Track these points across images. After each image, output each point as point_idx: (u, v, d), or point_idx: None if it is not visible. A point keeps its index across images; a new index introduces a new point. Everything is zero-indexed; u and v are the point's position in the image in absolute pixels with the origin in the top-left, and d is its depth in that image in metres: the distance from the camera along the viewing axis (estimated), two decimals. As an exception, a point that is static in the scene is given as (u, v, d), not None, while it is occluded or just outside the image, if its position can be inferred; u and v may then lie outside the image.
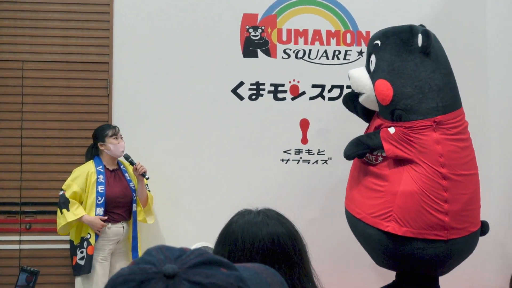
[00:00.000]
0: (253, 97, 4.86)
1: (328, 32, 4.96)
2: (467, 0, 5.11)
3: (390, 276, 4.13)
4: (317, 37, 4.94)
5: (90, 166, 4.23)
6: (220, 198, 4.68)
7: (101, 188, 4.16)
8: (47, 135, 4.70)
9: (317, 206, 4.87)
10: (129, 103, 4.75)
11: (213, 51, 4.83)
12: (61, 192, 4.15)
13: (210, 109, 4.80)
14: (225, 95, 4.83)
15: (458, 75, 3.96)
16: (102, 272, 4.14)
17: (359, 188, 3.86)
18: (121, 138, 4.34)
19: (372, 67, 3.88)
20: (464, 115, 3.81)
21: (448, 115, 3.66)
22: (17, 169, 4.65)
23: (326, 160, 4.91)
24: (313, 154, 4.90)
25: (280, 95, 4.89)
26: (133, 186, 4.35)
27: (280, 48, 4.90)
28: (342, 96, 4.27)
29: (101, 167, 4.24)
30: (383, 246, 3.68)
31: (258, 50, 4.88)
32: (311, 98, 4.92)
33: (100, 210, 4.14)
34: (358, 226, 3.84)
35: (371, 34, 4.13)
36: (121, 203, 4.26)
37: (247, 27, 4.88)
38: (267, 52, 4.89)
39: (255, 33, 4.88)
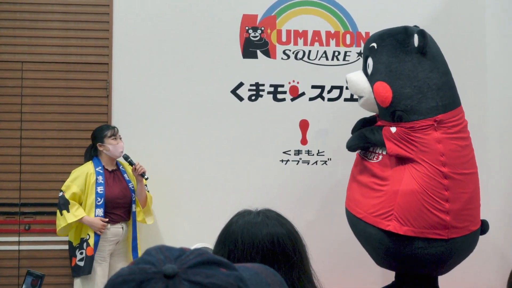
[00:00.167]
0: (253, 97, 4.86)
1: (328, 33, 4.96)
2: (466, 0, 5.11)
3: (389, 277, 4.13)
4: (316, 38, 4.94)
5: (89, 167, 4.23)
6: (219, 199, 4.68)
7: (100, 189, 4.16)
8: (46, 136, 4.70)
9: (317, 206, 4.87)
10: (129, 103, 4.75)
11: (213, 52, 4.83)
12: (61, 194, 4.14)
13: (210, 110, 4.80)
14: (224, 95, 4.83)
15: (457, 75, 3.97)
16: (101, 273, 4.13)
17: (360, 187, 3.86)
18: (120, 138, 4.33)
19: (369, 70, 3.88)
20: (464, 114, 3.82)
21: (448, 113, 3.67)
22: (16, 170, 4.65)
23: (326, 161, 4.91)
24: (313, 155, 4.90)
25: (279, 96, 4.89)
26: (132, 187, 4.35)
27: (279, 49, 4.90)
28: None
29: (100, 168, 4.23)
30: (384, 246, 3.67)
31: (258, 51, 4.88)
32: (311, 99, 4.92)
33: (100, 211, 4.13)
34: (358, 226, 3.84)
35: (371, 35, 4.14)
36: (120, 204, 4.25)
37: (247, 28, 4.88)
38: (267, 53, 4.89)
39: (255, 34, 4.88)
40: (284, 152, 4.87)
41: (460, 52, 4.90)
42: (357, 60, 4.90)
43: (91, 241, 4.09)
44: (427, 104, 3.64)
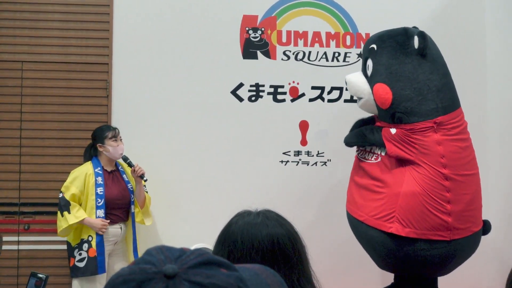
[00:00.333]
0: (253, 98, 4.86)
1: (328, 34, 4.96)
2: (466, 1, 5.11)
3: (389, 277, 4.13)
4: (316, 39, 4.94)
5: (88, 168, 4.22)
6: (219, 199, 4.68)
7: (100, 190, 4.15)
8: (46, 136, 4.70)
9: (316, 207, 4.87)
10: (129, 104, 4.75)
11: (213, 52, 4.83)
12: (61, 195, 4.13)
13: (210, 110, 4.80)
14: (224, 96, 4.83)
15: (457, 76, 3.97)
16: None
17: (361, 190, 3.86)
18: (121, 140, 4.32)
19: (369, 72, 3.88)
20: (463, 115, 3.82)
21: (448, 115, 3.67)
22: (16, 170, 4.65)
23: (326, 162, 4.91)
24: (313, 155, 4.90)
25: (279, 97, 4.89)
26: (131, 188, 4.34)
27: (279, 49, 4.91)
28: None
29: (99, 168, 4.22)
30: (386, 248, 3.67)
31: (258, 52, 4.88)
32: (311, 100, 4.92)
33: (101, 212, 4.13)
34: (360, 228, 3.84)
35: (370, 37, 4.14)
36: (119, 205, 4.25)
37: (247, 28, 4.88)
38: (267, 54, 4.89)
39: (255, 34, 4.88)
40: (284, 153, 4.88)
41: (460, 53, 4.90)
42: (357, 61, 4.90)
43: (94, 243, 4.08)
44: (427, 106, 3.64)
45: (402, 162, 3.65)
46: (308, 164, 4.90)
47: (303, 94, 4.92)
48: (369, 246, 3.85)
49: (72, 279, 4.15)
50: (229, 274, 0.78)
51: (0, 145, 4.66)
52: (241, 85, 4.86)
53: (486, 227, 3.89)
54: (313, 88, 4.93)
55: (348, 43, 4.97)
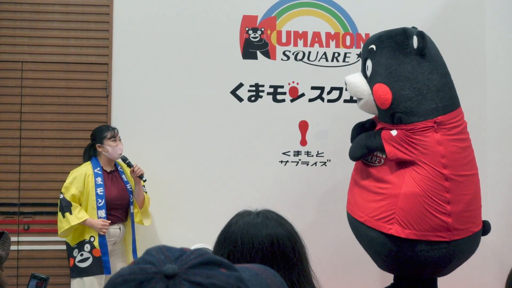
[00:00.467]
0: (252, 98, 4.86)
1: (328, 34, 4.96)
2: (466, 2, 5.11)
3: (388, 278, 4.13)
4: (316, 39, 4.94)
5: (87, 168, 4.21)
6: (218, 200, 4.68)
7: (100, 190, 4.14)
8: (45, 136, 4.70)
9: (316, 207, 4.87)
10: (128, 104, 4.75)
11: (213, 53, 4.83)
12: (61, 196, 4.11)
13: (209, 111, 4.80)
14: (224, 96, 4.83)
15: (457, 76, 3.97)
16: None
17: (361, 191, 3.86)
18: (120, 140, 4.32)
19: (368, 72, 3.88)
20: (463, 115, 3.82)
21: (448, 115, 3.67)
22: (16, 170, 4.65)
23: (325, 162, 4.91)
24: (312, 156, 4.90)
25: (279, 97, 4.89)
26: (130, 188, 4.34)
27: (279, 50, 4.91)
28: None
29: (98, 168, 4.21)
30: (386, 249, 3.67)
31: (258, 52, 4.88)
32: (310, 100, 4.92)
33: (102, 212, 4.12)
34: (360, 229, 3.84)
35: (369, 37, 4.14)
36: (118, 205, 4.24)
37: (247, 28, 4.88)
38: (267, 54, 4.89)
39: (255, 34, 4.88)
40: (283, 153, 4.88)
41: (459, 53, 4.90)
42: (357, 62, 4.90)
43: (96, 243, 4.08)
44: (427, 106, 3.64)
45: (403, 163, 3.65)
46: (307, 164, 4.90)
47: (302, 94, 4.92)
48: (369, 247, 3.85)
49: (71, 280, 4.15)
50: (229, 274, 0.78)
51: (0, 145, 4.66)
52: (240, 85, 4.86)
53: (486, 228, 3.89)
54: (313, 88, 4.93)
55: (348, 43, 4.97)
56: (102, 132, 4.26)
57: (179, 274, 0.75)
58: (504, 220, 4.91)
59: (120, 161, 4.39)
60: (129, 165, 4.33)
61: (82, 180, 4.13)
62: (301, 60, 4.92)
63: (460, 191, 3.61)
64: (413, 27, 3.96)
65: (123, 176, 4.36)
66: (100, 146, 4.24)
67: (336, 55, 4.95)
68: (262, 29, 4.89)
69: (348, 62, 4.95)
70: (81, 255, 4.08)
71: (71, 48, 4.78)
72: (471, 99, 4.71)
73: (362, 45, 4.77)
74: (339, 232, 4.56)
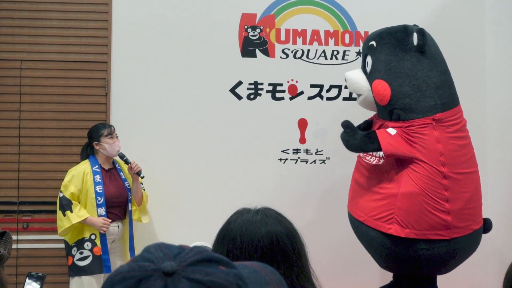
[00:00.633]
0: (251, 96, 4.86)
1: (327, 32, 4.96)
2: (465, 0, 5.11)
3: (387, 276, 4.13)
4: (315, 37, 4.94)
5: (86, 166, 4.20)
6: (218, 197, 4.68)
7: (99, 188, 4.14)
8: (45, 134, 4.69)
9: (315, 205, 4.87)
10: (127, 102, 4.75)
11: (212, 51, 4.83)
12: (61, 194, 4.10)
13: (208, 109, 4.80)
14: (223, 94, 4.83)
15: (456, 74, 3.97)
16: None
17: (360, 190, 3.86)
18: (117, 137, 4.32)
19: (368, 68, 3.88)
20: (462, 113, 3.82)
21: (447, 112, 3.66)
22: (15, 168, 4.65)
23: (324, 160, 4.91)
24: (311, 154, 4.90)
25: (278, 95, 4.89)
26: (128, 186, 4.33)
27: (278, 48, 4.90)
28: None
29: (97, 166, 4.21)
30: (386, 249, 3.67)
31: (257, 50, 4.88)
32: (309, 98, 4.92)
33: (102, 210, 4.12)
34: (360, 229, 3.83)
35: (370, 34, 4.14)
36: (117, 203, 4.24)
37: (246, 26, 4.87)
38: (266, 52, 4.89)
39: (254, 32, 4.88)
40: (282, 151, 4.87)
41: (459, 51, 4.90)
42: (356, 59, 4.90)
43: (98, 241, 4.07)
44: (426, 103, 3.64)
45: (401, 162, 3.64)
46: (306, 162, 4.90)
47: (301, 92, 4.92)
48: (370, 246, 3.85)
49: (70, 278, 4.14)
50: (228, 271, 0.78)
51: (-1, 144, 4.67)
52: (239, 83, 4.85)
53: (487, 225, 3.88)
54: (312, 86, 4.93)
55: (347, 41, 4.97)
56: (98, 130, 4.26)
57: (178, 272, 0.75)
58: (504, 217, 4.91)
59: (118, 159, 4.38)
60: (127, 161, 4.32)
61: (80, 178, 4.13)
62: (300, 58, 4.92)
63: (459, 189, 3.61)
64: (415, 25, 3.96)
65: (121, 174, 4.36)
66: (97, 144, 4.24)
67: (335, 53, 4.95)
68: (261, 27, 4.89)
69: (347, 60, 4.95)
70: (81, 253, 4.07)
71: (70, 46, 4.77)
72: (471, 98, 4.71)
73: (361, 43, 4.79)
74: (338, 230, 4.56)
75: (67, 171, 4.26)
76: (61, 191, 4.12)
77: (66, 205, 4.06)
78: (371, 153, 3.81)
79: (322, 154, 4.91)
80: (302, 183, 4.86)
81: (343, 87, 4.83)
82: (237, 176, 4.80)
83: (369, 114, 4.11)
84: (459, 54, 4.87)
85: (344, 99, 4.91)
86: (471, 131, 3.86)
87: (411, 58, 3.72)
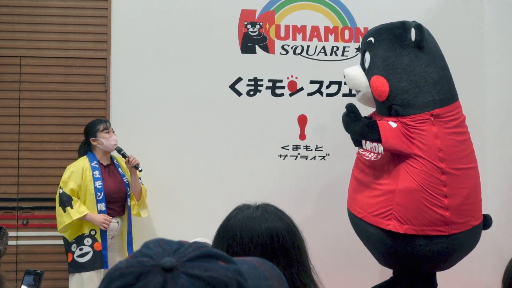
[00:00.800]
0: (251, 93, 4.86)
1: (326, 28, 4.95)
2: (465, -4, 5.11)
3: (387, 272, 4.14)
4: (315, 33, 4.94)
5: (84, 162, 4.19)
6: (217, 194, 4.67)
7: (98, 183, 4.13)
8: (44, 131, 4.69)
9: (315, 201, 4.87)
10: (127, 99, 4.74)
11: (211, 47, 4.83)
12: (61, 190, 4.09)
13: (208, 105, 4.79)
14: (223, 90, 4.82)
15: (455, 70, 3.97)
16: None
17: (359, 187, 3.86)
18: (113, 132, 4.31)
19: (367, 65, 3.88)
20: (461, 108, 3.82)
21: (445, 108, 3.66)
22: (15, 165, 4.65)
23: (324, 156, 4.91)
24: (311, 150, 4.90)
25: (278, 91, 4.89)
26: (127, 181, 4.33)
27: (278, 44, 4.90)
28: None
29: (95, 162, 4.20)
30: (385, 245, 3.67)
31: (256, 46, 4.87)
32: (309, 94, 4.92)
33: (102, 206, 4.11)
34: (359, 225, 3.84)
35: (369, 30, 4.14)
36: (115, 198, 4.23)
37: (245, 23, 4.87)
38: (265, 48, 4.88)
39: (253, 29, 4.87)
40: (282, 147, 4.87)
41: (458, 47, 4.89)
42: (355, 55, 4.89)
43: (98, 236, 4.07)
44: (424, 98, 3.64)
45: (398, 158, 3.64)
46: (306, 159, 4.90)
47: (301, 89, 4.91)
48: (369, 242, 3.85)
49: (69, 275, 4.14)
50: (227, 267, 0.78)
51: (-2, 140, 4.67)
52: (239, 79, 4.85)
53: (486, 221, 3.88)
54: (312, 82, 4.92)
55: (346, 37, 4.97)
56: (94, 126, 4.25)
57: (177, 267, 0.75)
58: (504, 214, 4.91)
59: (115, 154, 4.37)
60: (124, 155, 4.31)
61: (79, 174, 4.12)
62: (299, 54, 4.91)
63: (458, 185, 3.60)
64: (414, 21, 3.96)
65: (119, 169, 4.35)
66: (94, 140, 4.23)
67: (334, 49, 4.94)
68: (261, 23, 4.88)
69: (346, 56, 4.94)
70: (81, 249, 4.07)
71: (70, 43, 4.77)
72: (470, 94, 4.70)
73: (360, 39, 4.77)
74: (338, 226, 4.57)
75: (66, 167, 4.25)
76: (60, 187, 4.12)
77: (66, 201, 4.05)
78: (369, 149, 3.81)
79: (322, 150, 4.91)
80: (302, 179, 4.86)
81: (343, 83, 4.82)
82: (236, 172, 4.80)
83: (369, 110, 4.10)
84: (459, 51, 4.86)
85: (344, 95, 4.90)
86: (470, 127, 3.85)
87: (409, 54, 3.72)
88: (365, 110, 4.11)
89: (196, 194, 4.75)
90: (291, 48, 4.91)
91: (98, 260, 4.06)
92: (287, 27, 4.91)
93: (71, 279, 4.11)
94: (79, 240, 4.09)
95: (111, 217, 4.12)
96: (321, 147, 4.91)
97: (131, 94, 4.74)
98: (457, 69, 4.16)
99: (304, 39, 4.92)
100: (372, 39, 3.86)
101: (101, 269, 4.07)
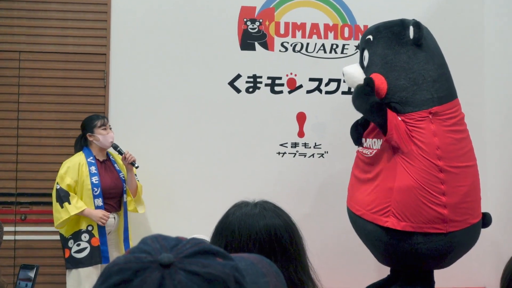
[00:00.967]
0: (250, 90, 4.86)
1: (326, 26, 4.95)
2: (465, -5, 5.11)
3: (385, 269, 4.14)
4: (314, 31, 4.93)
5: (80, 158, 4.17)
6: (216, 191, 4.67)
7: (95, 179, 4.12)
8: (43, 126, 4.69)
9: (313, 199, 4.87)
10: (126, 95, 4.74)
11: (211, 44, 4.82)
12: (58, 186, 4.07)
13: (207, 102, 4.79)
14: (222, 87, 4.82)
15: (455, 68, 3.97)
16: None
17: (358, 184, 3.87)
18: (110, 128, 4.30)
19: (365, 62, 3.89)
20: (460, 106, 3.82)
21: (443, 106, 3.66)
22: (13, 160, 4.64)
23: (323, 154, 4.91)
24: (310, 147, 4.90)
25: (277, 88, 4.88)
26: (123, 177, 4.32)
27: (277, 41, 4.90)
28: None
29: (91, 158, 4.18)
30: (383, 242, 3.67)
31: (256, 43, 4.87)
32: (308, 92, 4.92)
33: (99, 201, 4.10)
34: (358, 223, 3.84)
35: (368, 28, 4.13)
36: (112, 194, 4.22)
37: (245, 20, 4.86)
38: (265, 45, 4.88)
39: (253, 26, 4.87)
40: (281, 145, 4.87)
41: (458, 45, 4.89)
42: (355, 53, 4.89)
43: (96, 232, 4.06)
44: (422, 96, 3.64)
45: (398, 155, 3.64)
46: (305, 156, 4.90)
47: (300, 86, 4.91)
48: (367, 240, 3.86)
49: (67, 271, 4.12)
50: (225, 263, 0.78)
51: (-3, 135, 4.66)
52: (238, 76, 4.85)
53: (486, 220, 3.87)
54: (311, 80, 4.92)
55: (346, 35, 4.96)
56: (92, 121, 4.24)
57: (175, 263, 0.75)
58: (503, 212, 4.90)
59: (111, 150, 4.36)
60: (120, 152, 4.30)
61: (76, 169, 4.11)
62: (299, 51, 4.91)
63: (456, 183, 3.60)
64: (413, 19, 3.95)
65: (116, 165, 4.35)
66: (91, 135, 4.22)
67: (334, 46, 4.94)
68: (260, 20, 4.88)
69: (346, 53, 4.94)
70: (78, 245, 4.06)
71: (69, 38, 4.76)
72: (469, 94, 4.69)
73: (360, 36, 4.77)
74: (336, 223, 4.57)
75: (63, 163, 4.23)
76: (57, 183, 4.10)
77: (64, 197, 4.03)
78: (368, 146, 3.82)
79: (320, 148, 4.91)
80: (300, 176, 4.86)
81: (342, 81, 4.82)
82: (234, 168, 4.80)
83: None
84: (458, 50, 4.86)
85: (343, 93, 4.90)
86: (469, 127, 3.85)
87: (407, 52, 3.71)
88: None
89: (195, 191, 4.75)
90: (291, 45, 4.90)
91: (97, 255, 4.05)
92: (286, 24, 4.90)
93: (68, 275, 4.09)
94: (76, 236, 4.07)
95: (109, 213, 4.11)
96: (320, 144, 4.91)
97: (130, 90, 4.74)
98: (457, 68, 4.16)
99: (303, 36, 4.92)
100: (371, 37, 3.87)
101: (98, 264, 4.06)
